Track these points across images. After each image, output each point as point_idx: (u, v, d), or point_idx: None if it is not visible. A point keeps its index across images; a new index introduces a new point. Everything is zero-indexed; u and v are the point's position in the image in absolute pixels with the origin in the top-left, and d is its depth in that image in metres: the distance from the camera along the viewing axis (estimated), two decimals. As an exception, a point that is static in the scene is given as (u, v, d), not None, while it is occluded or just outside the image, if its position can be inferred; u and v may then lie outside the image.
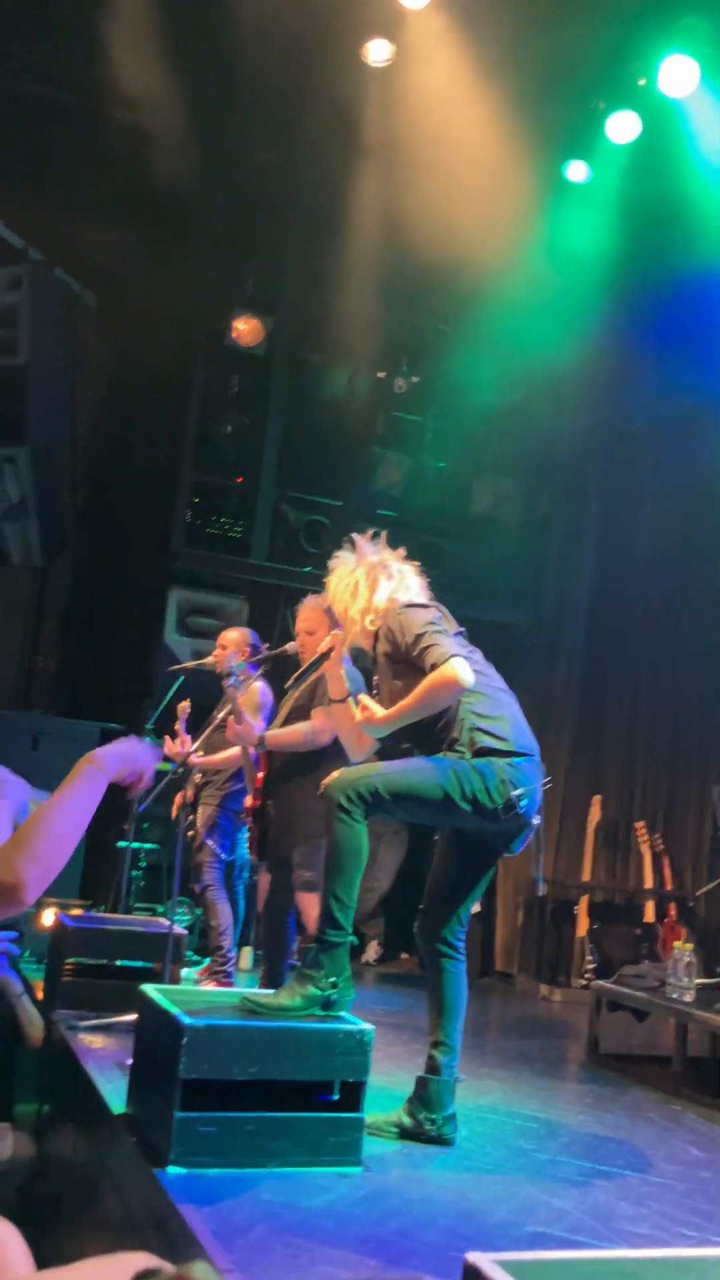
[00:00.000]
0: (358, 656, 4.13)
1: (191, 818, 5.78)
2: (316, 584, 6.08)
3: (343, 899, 3.39)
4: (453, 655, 3.48)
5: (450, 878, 3.76)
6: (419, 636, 3.57)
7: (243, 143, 7.66)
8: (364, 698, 3.65)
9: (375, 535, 3.97)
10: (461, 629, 3.78)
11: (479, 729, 3.53)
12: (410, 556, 4.00)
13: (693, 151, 7.24)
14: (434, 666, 3.48)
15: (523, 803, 3.50)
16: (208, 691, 5.94)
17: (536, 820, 3.65)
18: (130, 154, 8.02)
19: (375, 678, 3.88)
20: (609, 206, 7.65)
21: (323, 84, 7.16)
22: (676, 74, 6.87)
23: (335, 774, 3.47)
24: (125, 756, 1.84)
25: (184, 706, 6.04)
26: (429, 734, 3.59)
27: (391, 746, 3.77)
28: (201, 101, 7.68)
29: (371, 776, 3.42)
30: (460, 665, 3.46)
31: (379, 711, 3.58)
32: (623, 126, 7.35)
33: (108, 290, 8.70)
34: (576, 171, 7.71)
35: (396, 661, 3.67)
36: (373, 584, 3.82)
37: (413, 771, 3.47)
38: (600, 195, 7.70)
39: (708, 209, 7.31)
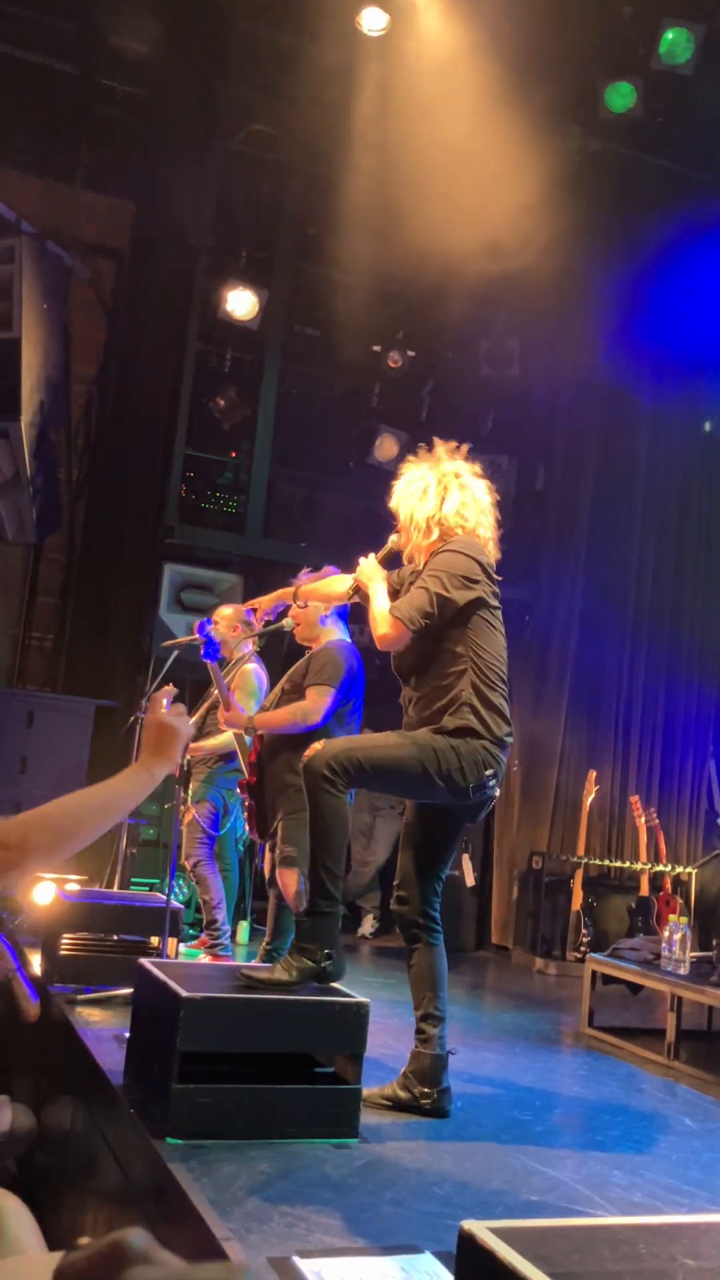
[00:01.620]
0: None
1: (184, 794, 5.80)
2: (311, 559, 6.07)
3: (332, 869, 3.41)
4: (415, 618, 3.50)
5: (420, 852, 3.77)
6: (434, 575, 3.56)
7: (236, 113, 7.59)
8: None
9: (456, 447, 3.89)
10: (498, 589, 3.75)
11: (475, 711, 3.53)
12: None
13: (690, 121, 7.19)
14: (395, 610, 3.53)
15: (491, 783, 3.56)
16: (202, 668, 5.94)
17: (496, 793, 3.69)
18: (125, 125, 7.96)
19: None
20: (609, 178, 7.61)
21: (317, 53, 7.09)
22: (674, 44, 6.81)
23: (315, 747, 3.48)
24: (169, 754, 1.86)
25: (169, 689, 5.99)
26: (428, 705, 3.60)
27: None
28: (196, 72, 7.61)
29: (353, 749, 3.44)
30: (399, 633, 3.52)
31: (372, 575, 3.75)
32: (621, 97, 7.29)
33: (101, 263, 8.65)
34: (575, 140, 7.65)
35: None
36: (443, 491, 3.74)
37: (392, 746, 3.49)
38: (599, 165, 7.65)
39: (705, 178, 7.28)
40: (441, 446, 3.86)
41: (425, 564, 3.68)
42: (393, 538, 3.86)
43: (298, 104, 7.29)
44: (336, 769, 3.38)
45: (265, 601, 4.45)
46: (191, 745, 5.58)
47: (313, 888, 3.45)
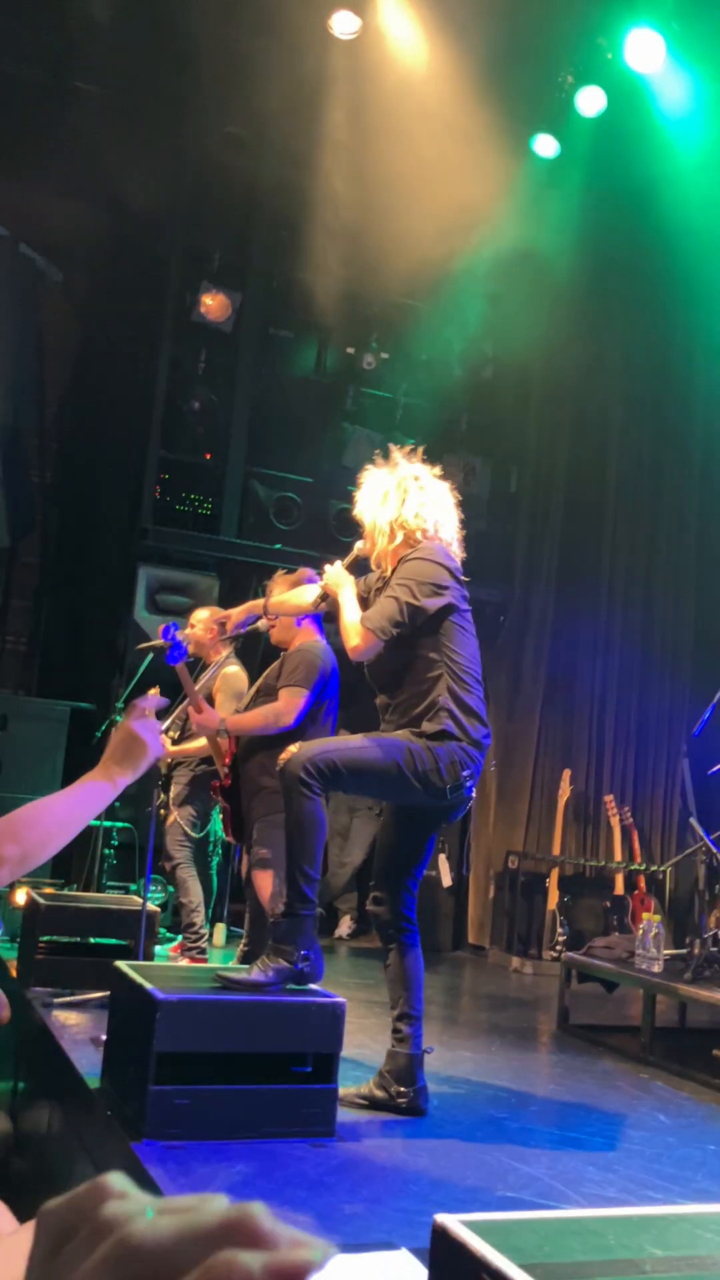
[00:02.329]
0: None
1: (163, 796, 5.79)
2: (287, 561, 6.09)
3: (308, 872, 3.43)
4: (386, 628, 3.53)
5: (397, 853, 3.79)
6: (403, 584, 3.59)
7: (209, 116, 7.59)
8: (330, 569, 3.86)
9: (413, 450, 3.93)
10: (466, 592, 3.79)
11: (452, 715, 3.57)
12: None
13: (659, 125, 7.25)
14: (365, 621, 3.55)
15: (468, 783, 3.60)
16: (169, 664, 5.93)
17: (474, 795, 3.72)
18: (95, 129, 7.94)
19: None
20: (578, 181, 7.65)
21: (289, 57, 7.10)
22: (643, 48, 6.87)
23: (291, 750, 3.49)
24: (135, 767, 1.82)
25: (153, 694, 5.98)
26: (406, 712, 3.63)
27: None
28: (167, 76, 7.61)
29: (328, 752, 3.46)
30: (370, 643, 3.54)
31: (340, 582, 3.75)
32: (590, 100, 7.34)
33: (73, 266, 8.62)
34: (545, 146, 7.70)
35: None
36: (403, 495, 3.77)
37: (368, 748, 3.51)
38: (569, 170, 7.69)
39: (674, 182, 7.33)
40: (397, 451, 3.90)
41: (393, 570, 3.70)
42: (358, 544, 3.88)
43: (270, 107, 7.30)
44: (312, 772, 3.39)
45: (236, 614, 4.46)
46: (173, 749, 5.58)
47: (289, 890, 3.47)
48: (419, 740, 3.52)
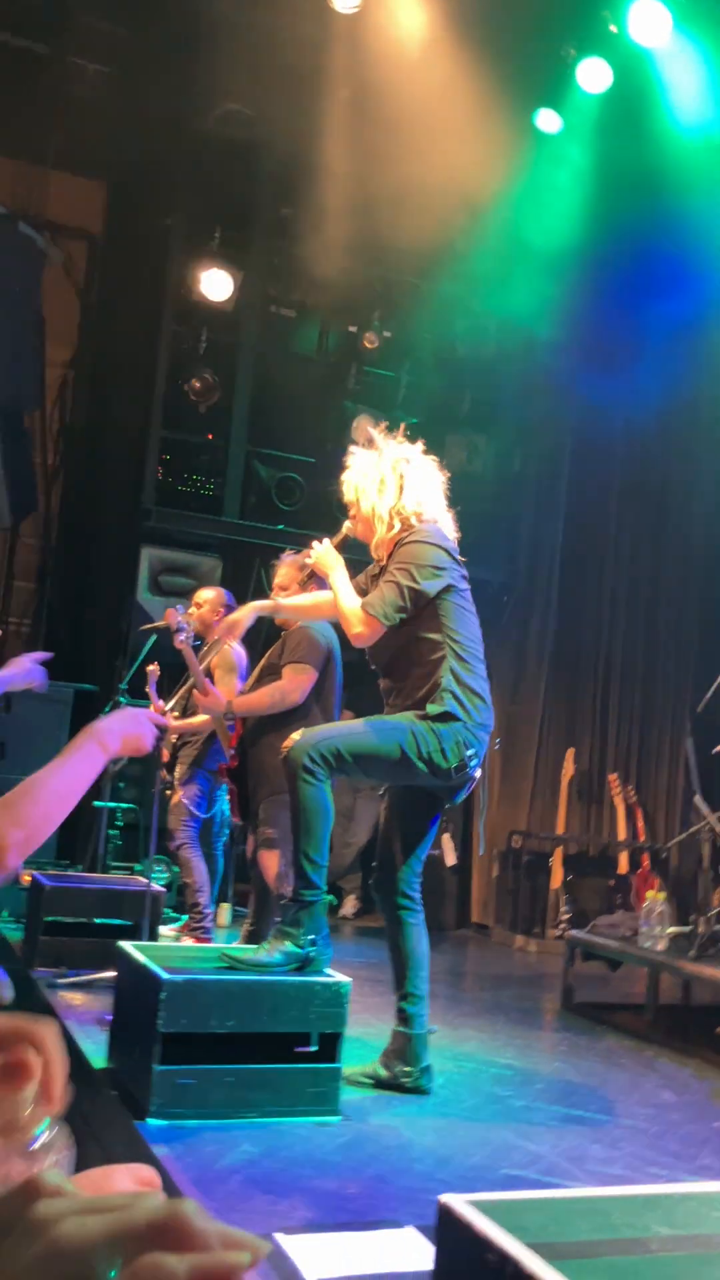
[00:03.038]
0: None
1: (168, 777, 5.79)
2: (290, 541, 6.07)
3: (315, 859, 3.43)
4: (389, 614, 3.52)
5: (400, 833, 3.80)
6: (402, 568, 3.58)
7: (209, 92, 7.53)
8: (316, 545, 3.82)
9: (390, 428, 3.93)
10: (464, 571, 3.78)
11: (455, 696, 3.57)
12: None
13: (665, 100, 7.17)
14: (368, 607, 3.54)
15: (473, 763, 3.60)
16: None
17: (478, 774, 3.72)
18: (96, 104, 7.88)
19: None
20: (582, 156, 7.58)
21: (290, 32, 7.03)
22: (647, 21, 6.79)
23: (294, 737, 3.48)
24: (129, 735, 1.78)
25: (153, 669, 6.00)
26: (409, 695, 3.62)
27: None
28: (167, 49, 7.54)
29: (333, 737, 3.45)
30: (374, 629, 3.54)
31: (331, 564, 3.71)
32: (594, 74, 7.26)
33: (73, 245, 8.57)
34: (548, 121, 7.62)
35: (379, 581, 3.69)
36: (400, 481, 3.75)
37: (372, 732, 3.51)
38: (572, 145, 7.62)
39: (679, 159, 7.26)
40: (379, 434, 3.89)
41: (390, 555, 3.68)
42: (346, 524, 3.86)
43: (271, 83, 7.23)
44: (316, 759, 3.39)
45: (246, 618, 4.12)
46: (177, 724, 5.58)
47: (296, 876, 3.47)
48: (422, 722, 3.52)
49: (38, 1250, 0.41)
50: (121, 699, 6.19)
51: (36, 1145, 0.63)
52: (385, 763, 3.51)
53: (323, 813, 3.42)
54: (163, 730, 5.27)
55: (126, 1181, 0.67)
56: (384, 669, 3.76)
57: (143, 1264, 0.40)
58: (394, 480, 3.73)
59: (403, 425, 3.92)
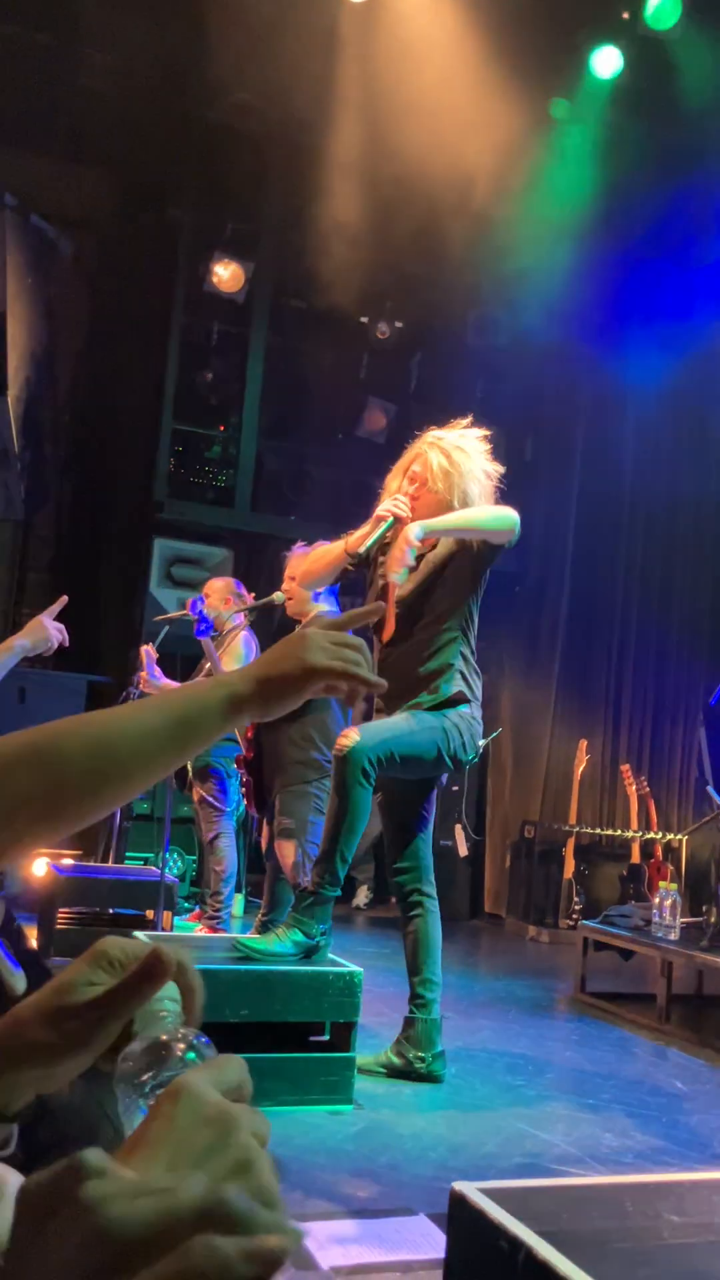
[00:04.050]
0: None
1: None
2: (302, 532, 6.07)
3: (347, 857, 3.49)
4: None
5: (404, 819, 3.82)
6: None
7: (219, 83, 7.51)
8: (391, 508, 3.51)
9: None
10: None
11: (464, 677, 3.63)
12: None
13: (676, 87, 7.14)
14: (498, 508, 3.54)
15: (481, 746, 3.71)
16: (194, 641, 5.95)
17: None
18: (107, 96, 7.87)
19: (383, 576, 3.73)
20: (595, 144, 7.55)
21: (301, 22, 7.02)
22: (661, 7, 6.75)
23: (353, 735, 3.46)
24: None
25: (147, 649, 5.94)
26: (413, 671, 3.63)
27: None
28: (178, 40, 7.53)
29: (387, 742, 3.49)
30: (514, 515, 3.52)
31: (412, 528, 3.40)
32: (607, 61, 7.23)
33: (84, 237, 8.57)
34: (560, 107, 7.59)
35: (430, 567, 3.66)
36: (493, 491, 3.72)
37: (417, 733, 3.55)
38: (586, 132, 7.59)
39: (692, 144, 7.23)
40: (475, 435, 3.78)
41: (452, 556, 3.67)
42: (395, 504, 3.55)
43: (281, 73, 7.22)
44: (374, 762, 3.42)
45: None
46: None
47: (323, 870, 3.48)
48: (445, 718, 3.58)
49: (87, 1231, 0.42)
50: (134, 689, 6.20)
51: (202, 1050, 0.68)
52: (423, 763, 3.60)
53: (363, 814, 3.47)
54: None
55: None
56: (399, 631, 3.68)
57: (195, 1246, 0.41)
58: (490, 488, 3.70)
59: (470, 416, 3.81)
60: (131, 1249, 0.42)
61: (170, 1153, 0.53)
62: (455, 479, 3.58)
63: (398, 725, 3.59)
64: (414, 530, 3.39)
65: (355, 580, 3.93)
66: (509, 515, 3.54)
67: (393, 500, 3.56)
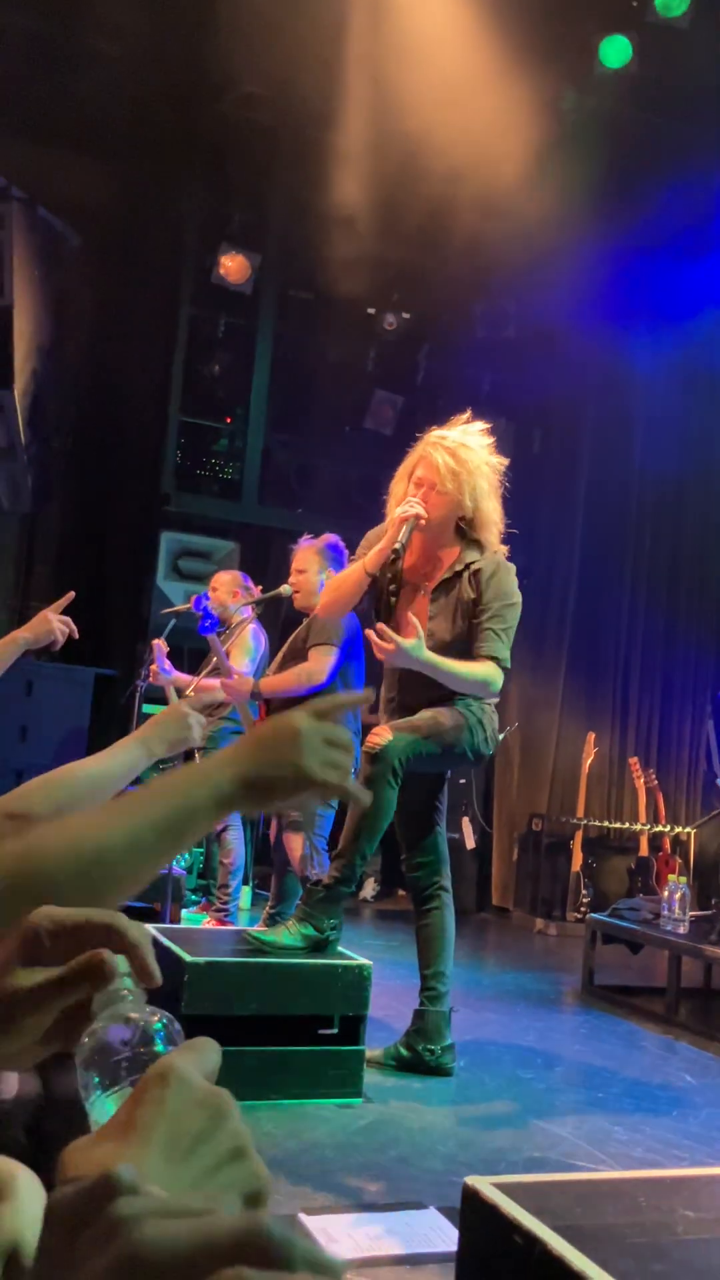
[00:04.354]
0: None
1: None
2: (309, 525, 6.05)
3: (367, 856, 3.50)
4: (506, 662, 3.54)
5: (415, 813, 3.82)
6: (505, 611, 3.58)
7: (227, 74, 7.48)
8: (383, 629, 3.37)
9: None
10: None
11: None
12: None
13: (686, 77, 7.10)
14: (495, 659, 3.51)
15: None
16: (201, 636, 5.94)
17: None
18: (113, 87, 7.85)
19: (404, 604, 3.71)
20: (602, 135, 7.51)
21: (309, 12, 6.98)
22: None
23: (385, 734, 3.44)
24: (175, 740, 1.81)
25: (158, 643, 5.89)
26: (437, 688, 3.62)
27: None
28: (185, 32, 7.50)
29: (419, 743, 3.49)
30: (501, 678, 3.53)
31: (409, 645, 3.32)
32: (617, 51, 7.18)
33: (92, 229, 8.55)
34: (570, 100, 7.55)
35: (462, 609, 3.62)
36: (499, 502, 3.69)
37: (449, 731, 3.56)
38: (595, 124, 7.54)
39: (703, 136, 7.19)
40: (478, 431, 3.74)
41: (471, 579, 3.61)
42: (414, 519, 3.50)
43: (288, 65, 7.19)
44: (405, 762, 3.41)
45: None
46: (197, 691, 5.56)
47: (340, 866, 3.47)
48: (469, 713, 3.59)
49: (121, 1253, 0.41)
50: (141, 683, 6.19)
51: (169, 1030, 0.67)
52: (450, 758, 3.63)
53: (389, 815, 3.48)
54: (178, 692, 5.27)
55: None
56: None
57: (226, 1278, 0.39)
58: (497, 497, 3.67)
59: (469, 412, 3.76)
60: (164, 1273, 0.40)
61: (163, 1138, 0.52)
62: (464, 477, 3.56)
63: (430, 723, 3.59)
64: (402, 657, 3.36)
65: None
66: (493, 681, 3.51)
67: (406, 503, 3.54)
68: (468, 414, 3.76)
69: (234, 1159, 0.55)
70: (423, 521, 3.51)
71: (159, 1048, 0.65)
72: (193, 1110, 0.55)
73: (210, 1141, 0.54)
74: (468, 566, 3.62)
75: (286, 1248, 0.41)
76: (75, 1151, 0.54)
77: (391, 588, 3.71)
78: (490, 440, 3.72)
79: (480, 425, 3.73)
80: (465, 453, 3.60)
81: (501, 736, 3.76)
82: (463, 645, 3.58)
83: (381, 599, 3.76)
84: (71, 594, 3.19)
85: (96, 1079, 0.64)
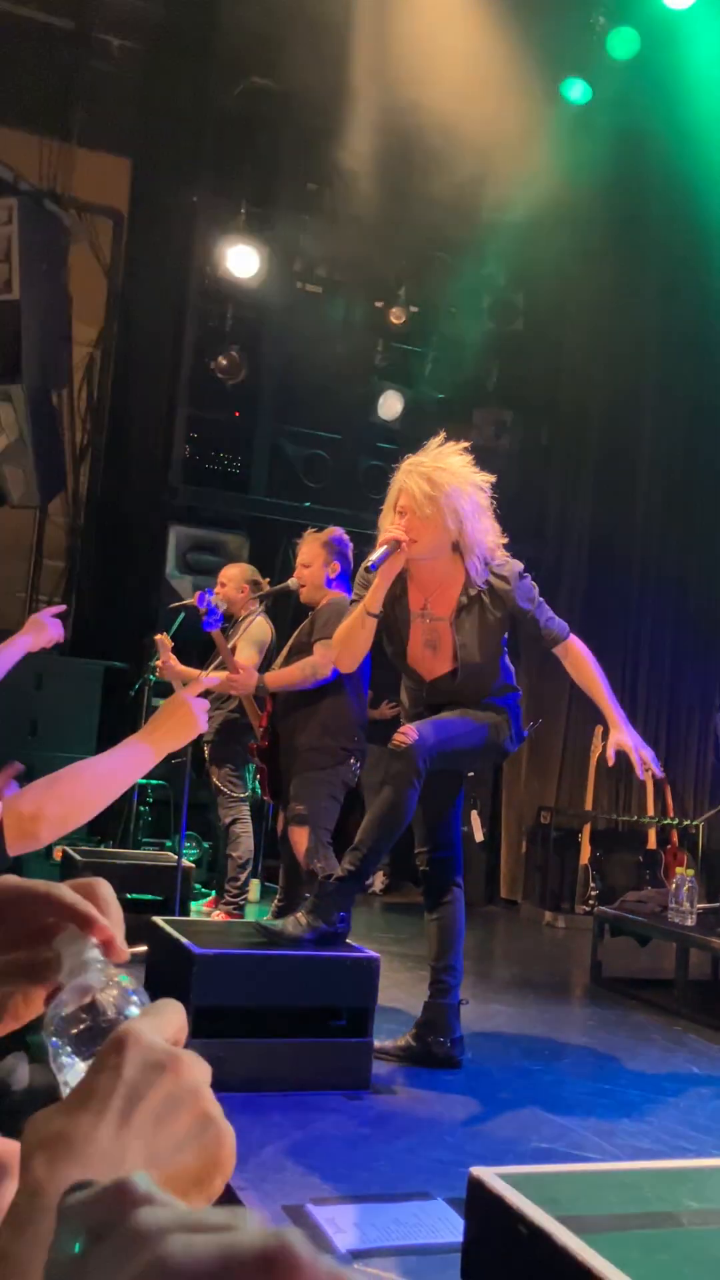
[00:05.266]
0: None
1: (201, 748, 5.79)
2: (317, 519, 6.06)
3: (381, 853, 3.52)
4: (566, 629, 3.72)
5: (434, 808, 3.83)
6: (543, 605, 3.75)
7: (234, 66, 7.48)
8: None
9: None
10: None
11: (509, 670, 3.84)
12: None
13: (693, 67, 7.07)
14: (567, 635, 3.75)
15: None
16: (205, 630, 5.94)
17: None
18: (121, 80, 7.85)
19: (417, 636, 3.73)
20: (610, 127, 7.48)
21: (317, 4, 6.98)
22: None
23: (412, 733, 3.45)
24: (180, 732, 1.82)
25: (161, 638, 5.87)
26: (489, 676, 3.71)
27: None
28: (193, 24, 7.50)
29: (444, 744, 3.52)
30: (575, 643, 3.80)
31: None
32: (623, 42, 7.16)
33: (99, 222, 8.56)
34: (575, 90, 7.53)
35: (487, 619, 3.65)
36: (489, 516, 3.66)
37: (474, 732, 3.61)
38: (600, 115, 7.52)
39: (708, 126, 7.16)
40: (451, 451, 3.67)
41: (496, 596, 3.64)
42: (395, 542, 3.50)
43: (296, 57, 7.18)
44: (428, 761, 3.43)
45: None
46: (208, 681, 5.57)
47: (355, 860, 3.48)
48: (496, 711, 3.66)
49: (142, 1267, 0.40)
50: (151, 676, 6.21)
51: (135, 996, 0.66)
52: (474, 756, 3.70)
53: (410, 813, 3.50)
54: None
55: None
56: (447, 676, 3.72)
57: None
58: (488, 514, 3.62)
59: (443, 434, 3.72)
60: None
61: (121, 1105, 0.52)
62: (441, 500, 3.50)
63: (453, 721, 3.61)
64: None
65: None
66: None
67: (386, 531, 3.55)
68: (441, 436, 3.72)
69: (201, 1128, 0.54)
70: (404, 547, 3.49)
71: (127, 1013, 0.65)
72: (150, 1075, 0.54)
73: (175, 1108, 0.54)
74: (487, 587, 3.63)
75: (313, 1266, 0.40)
76: (37, 1120, 0.54)
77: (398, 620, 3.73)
78: (468, 459, 3.63)
79: (456, 446, 3.64)
80: (441, 475, 3.54)
81: (527, 732, 3.79)
82: (494, 665, 3.70)
83: (393, 633, 3.76)
84: (63, 606, 3.30)
85: (62, 1047, 0.64)
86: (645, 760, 3.59)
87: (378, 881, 8.02)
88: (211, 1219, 0.42)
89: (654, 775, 3.70)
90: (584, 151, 7.39)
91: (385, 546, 3.50)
